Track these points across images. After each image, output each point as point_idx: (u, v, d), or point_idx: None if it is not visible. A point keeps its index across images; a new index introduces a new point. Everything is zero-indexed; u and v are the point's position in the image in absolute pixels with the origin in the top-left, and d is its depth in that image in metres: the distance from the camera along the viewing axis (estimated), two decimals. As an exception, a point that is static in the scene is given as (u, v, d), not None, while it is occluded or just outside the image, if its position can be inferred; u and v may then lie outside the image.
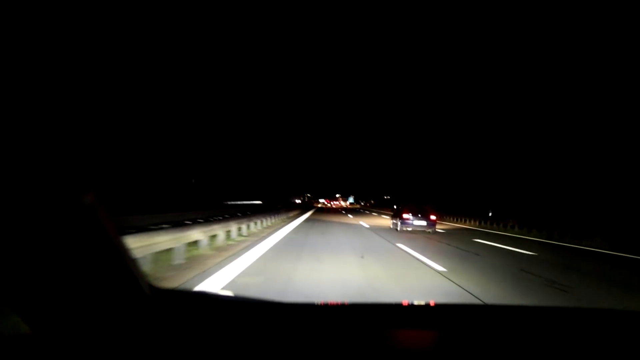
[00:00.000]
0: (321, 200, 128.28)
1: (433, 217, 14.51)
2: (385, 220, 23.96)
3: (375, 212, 41.46)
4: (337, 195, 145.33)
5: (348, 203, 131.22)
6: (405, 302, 2.50)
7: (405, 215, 14.42)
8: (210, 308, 0.93)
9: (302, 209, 37.97)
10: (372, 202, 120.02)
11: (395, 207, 17.03)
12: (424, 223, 14.35)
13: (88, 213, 0.68)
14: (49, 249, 0.66)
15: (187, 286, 4.44)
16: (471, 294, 4.49)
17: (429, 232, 14.49)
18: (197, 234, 7.22)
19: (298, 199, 45.47)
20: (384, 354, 0.79)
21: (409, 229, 14.54)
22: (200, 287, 4.37)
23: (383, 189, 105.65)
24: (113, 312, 0.72)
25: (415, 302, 1.75)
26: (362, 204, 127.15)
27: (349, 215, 32.75)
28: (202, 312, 0.88)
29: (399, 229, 14.62)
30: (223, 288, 4.39)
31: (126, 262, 0.74)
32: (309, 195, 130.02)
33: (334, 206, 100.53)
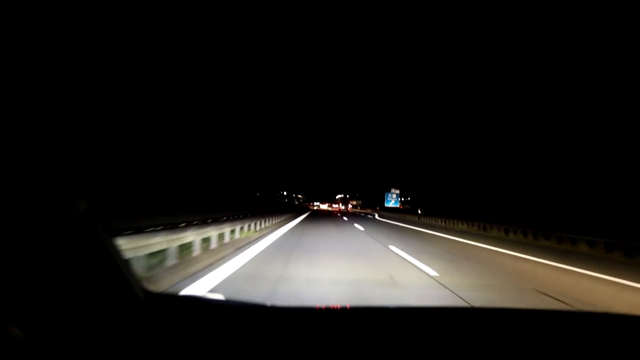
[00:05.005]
0: (316, 204, 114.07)
1: None
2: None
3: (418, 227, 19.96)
4: (338, 197, 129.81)
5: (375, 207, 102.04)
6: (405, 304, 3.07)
7: None
8: (205, 313, 0.91)
9: (290, 216, 24.40)
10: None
11: None
12: None
13: (82, 219, 0.69)
14: (44, 254, 0.65)
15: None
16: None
17: None
18: None
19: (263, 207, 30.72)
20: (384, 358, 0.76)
21: None
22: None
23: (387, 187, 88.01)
24: (107, 317, 0.71)
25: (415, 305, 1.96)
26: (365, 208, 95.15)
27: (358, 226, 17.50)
28: (196, 318, 0.86)
29: None
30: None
31: (120, 267, 0.74)
32: (300, 196, 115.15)
33: (331, 209, 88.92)
